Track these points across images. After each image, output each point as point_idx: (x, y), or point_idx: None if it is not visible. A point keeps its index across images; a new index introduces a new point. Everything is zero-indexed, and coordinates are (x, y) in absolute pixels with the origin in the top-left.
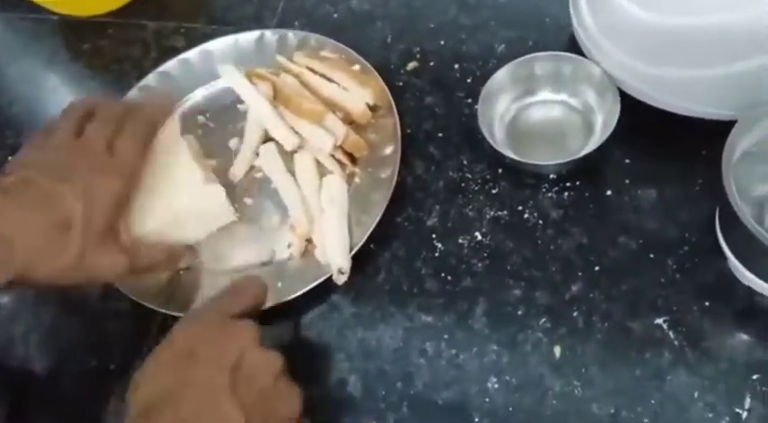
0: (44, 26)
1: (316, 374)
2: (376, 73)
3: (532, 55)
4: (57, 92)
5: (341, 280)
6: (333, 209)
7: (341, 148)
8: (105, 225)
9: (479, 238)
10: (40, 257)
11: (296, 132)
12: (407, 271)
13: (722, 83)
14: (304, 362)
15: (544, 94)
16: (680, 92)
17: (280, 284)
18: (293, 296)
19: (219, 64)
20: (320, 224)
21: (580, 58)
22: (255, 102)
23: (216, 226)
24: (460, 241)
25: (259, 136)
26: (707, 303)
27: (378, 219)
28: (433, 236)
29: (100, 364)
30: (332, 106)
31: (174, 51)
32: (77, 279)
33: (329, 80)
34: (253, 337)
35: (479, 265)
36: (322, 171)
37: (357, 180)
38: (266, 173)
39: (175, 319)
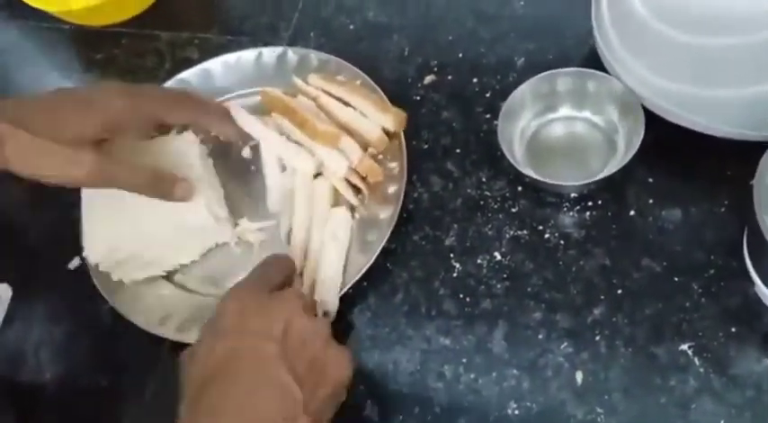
0: (58, 35)
1: None
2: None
3: (554, 70)
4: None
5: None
6: (333, 245)
7: (356, 172)
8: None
9: (498, 257)
10: None
11: (312, 154)
12: (425, 292)
13: (749, 103)
14: None
15: (566, 111)
16: (705, 111)
17: None
18: None
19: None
20: (315, 261)
21: (603, 74)
22: (266, 137)
23: (213, 243)
24: (479, 261)
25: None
26: (733, 329)
27: (386, 237)
28: (452, 255)
29: (111, 383)
30: (348, 131)
31: (189, 62)
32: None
33: (346, 104)
34: (297, 306)
35: (499, 286)
36: (337, 201)
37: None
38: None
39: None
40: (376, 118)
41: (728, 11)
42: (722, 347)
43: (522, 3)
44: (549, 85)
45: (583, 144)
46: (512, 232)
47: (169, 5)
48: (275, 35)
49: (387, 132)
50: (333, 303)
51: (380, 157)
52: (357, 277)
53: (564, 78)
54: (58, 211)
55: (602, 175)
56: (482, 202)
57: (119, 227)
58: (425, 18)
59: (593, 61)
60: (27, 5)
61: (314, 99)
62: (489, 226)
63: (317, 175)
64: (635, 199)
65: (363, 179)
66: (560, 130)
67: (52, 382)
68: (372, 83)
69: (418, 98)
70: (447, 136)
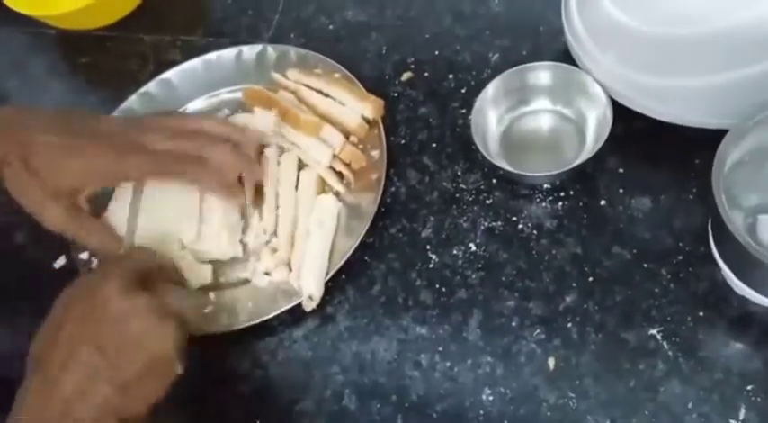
0: (42, 40)
1: (310, 387)
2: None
3: (525, 65)
4: (57, 104)
5: (310, 306)
6: (319, 232)
7: (339, 159)
8: None
9: (474, 249)
10: None
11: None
12: (402, 283)
13: (712, 92)
14: (298, 375)
15: (537, 104)
16: (671, 101)
17: (250, 305)
18: (263, 318)
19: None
20: (302, 248)
21: (572, 67)
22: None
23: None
24: (455, 252)
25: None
26: (701, 313)
27: (368, 223)
28: (428, 247)
29: None
30: (329, 120)
31: (172, 64)
32: None
33: (325, 96)
34: (119, 287)
35: (474, 276)
36: (323, 190)
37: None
38: (279, 183)
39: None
40: (355, 107)
41: (690, 1)
42: (691, 331)
43: (497, 1)
44: (520, 80)
45: (555, 136)
46: (486, 224)
47: (153, 8)
48: (256, 36)
49: (366, 120)
50: (318, 289)
51: (361, 146)
52: (341, 262)
53: (535, 72)
54: None
55: (571, 166)
56: (457, 195)
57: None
58: (403, 17)
59: (566, 56)
60: (9, 11)
61: (293, 92)
62: (465, 218)
63: (301, 167)
64: (606, 189)
65: (347, 166)
66: (533, 123)
67: None
68: (349, 74)
69: (396, 95)
70: (424, 131)
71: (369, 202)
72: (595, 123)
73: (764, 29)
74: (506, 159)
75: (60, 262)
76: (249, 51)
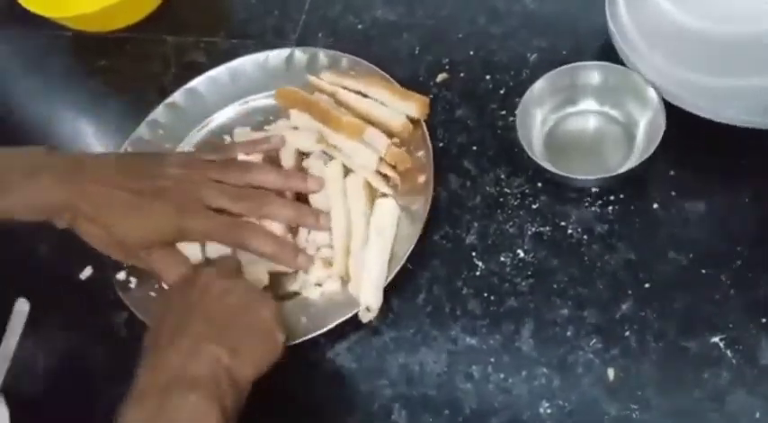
0: (58, 43)
1: (357, 402)
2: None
3: (574, 64)
4: (74, 109)
5: (366, 318)
6: (378, 240)
7: (385, 161)
8: None
9: (522, 255)
10: None
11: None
12: (448, 291)
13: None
14: (344, 389)
15: (584, 105)
16: (727, 101)
17: (304, 320)
18: (317, 333)
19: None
20: (360, 256)
21: (623, 68)
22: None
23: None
24: (502, 259)
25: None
26: (764, 320)
27: (421, 227)
28: (473, 254)
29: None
30: (371, 122)
31: (195, 66)
32: None
33: (364, 96)
34: (214, 274)
35: (523, 284)
36: (372, 194)
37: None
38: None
39: None
40: (398, 106)
41: None
42: (754, 338)
43: None
44: (567, 79)
45: (600, 138)
46: (534, 229)
47: (173, 10)
48: (283, 37)
49: (410, 120)
50: (377, 300)
51: (404, 147)
52: (397, 268)
53: (583, 72)
54: None
55: (624, 169)
56: (502, 200)
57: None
58: (435, 16)
59: (607, 55)
60: (25, 12)
61: (331, 95)
62: (510, 223)
63: (347, 173)
64: (657, 192)
65: (392, 168)
66: (578, 124)
67: (70, 392)
68: (386, 75)
69: (431, 96)
70: (462, 134)
71: (419, 205)
72: (646, 125)
73: None
74: (550, 161)
75: (86, 273)
76: (277, 56)
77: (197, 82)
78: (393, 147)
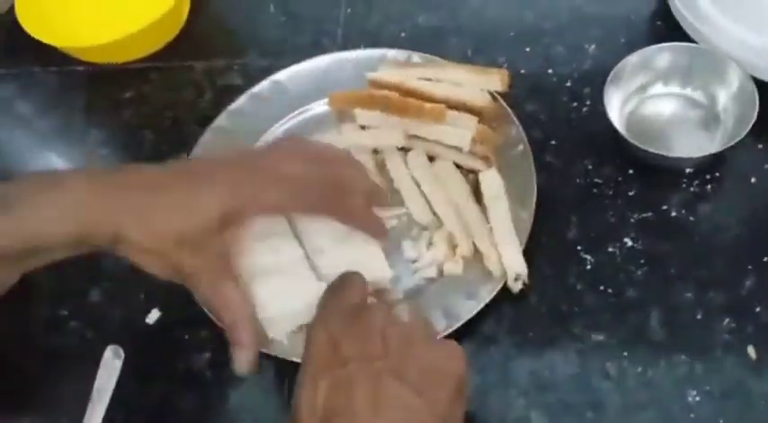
0: (73, 78)
1: (489, 417)
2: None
3: (661, 45)
4: (108, 144)
5: (517, 287)
6: (498, 206)
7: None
8: None
9: (630, 243)
10: None
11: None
12: (561, 289)
13: None
14: (474, 404)
15: (665, 88)
16: None
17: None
18: (470, 316)
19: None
20: (482, 229)
21: (708, 48)
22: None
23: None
24: (611, 250)
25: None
26: None
27: (535, 193)
28: (579, 248)
29: None
30: (449, 105)
31: (233, 89)
32: None
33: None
34: (387, 315)
35: (639, 272)
36: (465, 174)
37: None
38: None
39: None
40: (476, 83)
41: None
42: None
43: None
44: (651, 60)
45: (680, 121)
46: (636, 216)
47: (193, 36)
48: (322, 51)
49: (493, 95)
50: (520, 263)
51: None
52: (526, 237)
53: (667, 53)
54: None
55: (721, 147)
56: (595, 190)
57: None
58: (479, 17)
59: (669, 38)
60: (32, 48)
61: (397, 87)
62: (611, 213)
63: (431, 159)
64: (750, 166)
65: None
66: (656, 108)
67: None
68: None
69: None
70: (536, 129)
71: (525, 173)
72: (732, 103)
73: None
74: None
75: (153, 317)
76: (317, 62)
77: (240, 102)
78: (480, 125)
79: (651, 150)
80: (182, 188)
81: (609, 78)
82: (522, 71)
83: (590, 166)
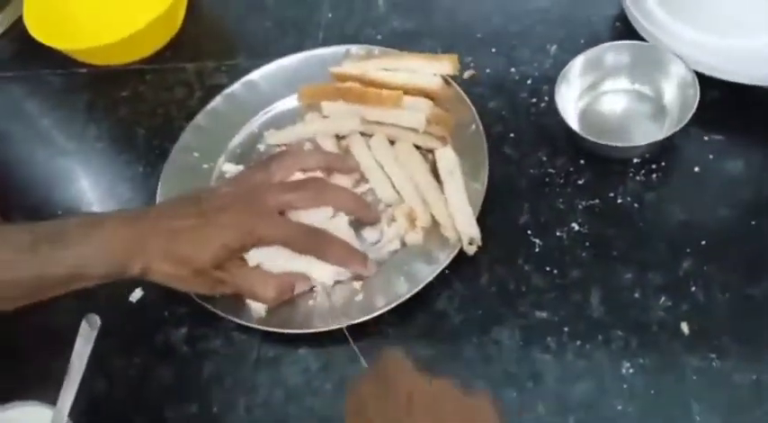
0: (75, 80)
1: None
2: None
3: (605, 44)
4: (104, 138)
5: (472, 250)
6: (452, 179)
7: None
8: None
9: (577, 228)
10: None
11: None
12: (510, 270)
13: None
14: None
15: (613, 84)
16: (755, 61)
17: (402, 279)
18: (431, 278)
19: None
20: (439, 200)
21: (651, 44)
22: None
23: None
24: (558, 234)
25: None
26: None
27: (487, 170)
28: (529, 232)
29: (201, 408)
30: (406, 91)
31: (219, 89)
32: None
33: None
34: (413, 376)
35: (584, 254)
36: (424, 154)
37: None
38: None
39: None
40: (429, 69)
41: None
42: None
43: None
44: (598, 59)
45: (632, 115)
46: (584, 203)
47: (188, 39)
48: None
49: (446, 79)
50: (473, 228)
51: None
52: (478, 211)
53: (609, 52)
54: None
55: (662, 136)
56: (547, 179)
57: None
58: (451, 20)
59: (622, 38)
60: (38, 53)
61: (359, 78)
62: (560, 200)
63: (392, 143)
64: (695, 157)
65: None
66: (609, 104)
67: (139, 413)
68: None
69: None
70: (498, 123)
71: (478, 150)
72: (677, 97)
73: None
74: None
75: (136, 295)
76: (289, 61)
77: (216, 102)
78: (435, 107)
79: (596, 140)
80: (194, 235)
81: (559, 78)
82: (488, 70)
83: (544, 158)
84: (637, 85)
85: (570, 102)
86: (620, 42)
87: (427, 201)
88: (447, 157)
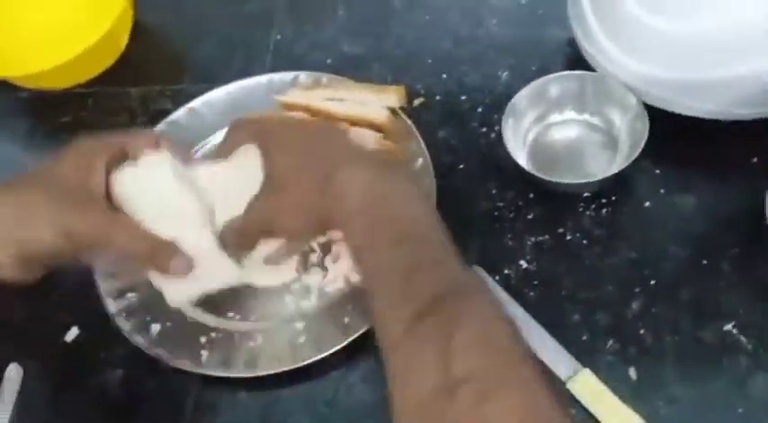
0: (16, 104)
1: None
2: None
3: (551, 75)
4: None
5: None
6: None
7: None
8: None
9: (525, 265)
10: None
11: None
12: None
13: (736, 82)
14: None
15: (563, 115)
16: (703, 94)
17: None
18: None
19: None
20: None
21: (599, 74)
22: None
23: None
24: (507, 272)
25: None
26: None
27: (435, 199)
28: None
29: None
30: (353, 123)
31: (163, 114)
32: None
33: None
34: None
35: (531, 293)
36: None
37: None
38: None
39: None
40: (376, 101)
41: None
42: (763, 321)
43: (495, 21)
44: (545, 90)
45: (583, 146)
46: (533, 239)
47: (132, 62)
48: (251, 77)
49: (393, 112)
50: None
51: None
52: None
53: (559, 82)
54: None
55: (609, 173)
56: (497, 214)
57: None
58: (401, 45)
59: (577, 66)
60: None
61: (305, 107)
62: (509, 236)
63: None
64: (646, 191)
65: None
66: (560, 134)
67: None
68: (352, 81)
69: (411, 121)
70: (448, 154)
71: (427, 184)
72: (628, 128)
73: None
74: (537, 172)
75: (72, 335)
76: (235, 87)
77: (159, 129)
78: (383, 140)
79: (543, 177)
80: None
81: (506, 110)
82: (438, 97)
83: (494, 190)
84: (586, 116)
85: (519, 134)
86: (567, 73)
87: None
88: None
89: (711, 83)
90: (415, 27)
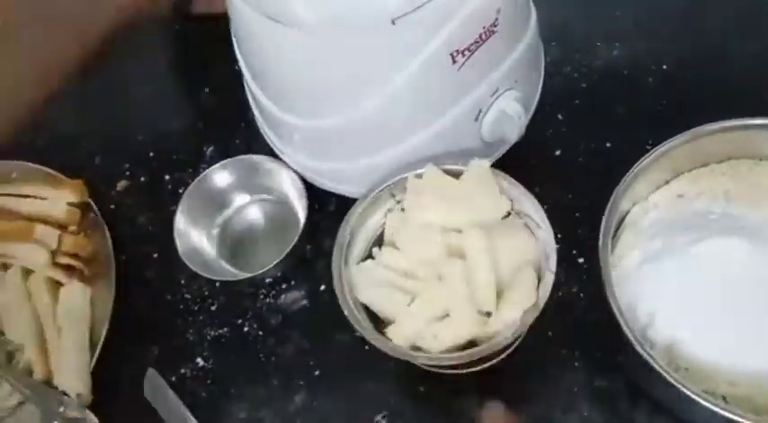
0: None
1: None
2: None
3: (215, 165)
4: None
5: (82, 406)
6: (71, 324)
7: (67, 254)
8: None
9: (201, 363)
10: None
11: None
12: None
13: (388, 166)
14: None
15: (244, 198)
16: (337, 178)
17: None
18: None
19: None
20: (57, 348)
21: (262, 157)
22: None
23: None
24: (183, 371)
25: None
26: (421, 388)
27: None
28: (158, 370)
29: None
30: (38, 220)
31: None
32: None
33: (25, 197)
34: None
35: (204, 394)
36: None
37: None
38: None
39: None
40: (57, 196)
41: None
42: (411, 411)
43: (207, 90)
44: (211, 182)
45: (265, 226)
46: (213, 333)
47: None
48: None
49: (77, 206)
50: (84, 384)
51: (83, 233)
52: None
53: (221, 171)
54: None
55: (274, 262)
56: (182, 306)
57: None
58: (113, 120)
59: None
60: None
61: None
62: (191, 331)
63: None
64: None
65: (76, 256)
66: (242, 219)
67: None
68: (46, 169)
69: (113, 207)
70: (145, 243)
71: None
72: (299, 206)
73: (384, 116)
74: (233, 257)
75: None
76: None
77: None
78: (69, 236)
79: (204, 274)
80: None
81: (178, 211)
82: (143, 179)
83: (183, 281)
84: (265, 195)
85: (203, 229)
86: (228, 160)
87: (48, 346)
88: (72, 297)
89: (337, 169)
90: (125, 103)
